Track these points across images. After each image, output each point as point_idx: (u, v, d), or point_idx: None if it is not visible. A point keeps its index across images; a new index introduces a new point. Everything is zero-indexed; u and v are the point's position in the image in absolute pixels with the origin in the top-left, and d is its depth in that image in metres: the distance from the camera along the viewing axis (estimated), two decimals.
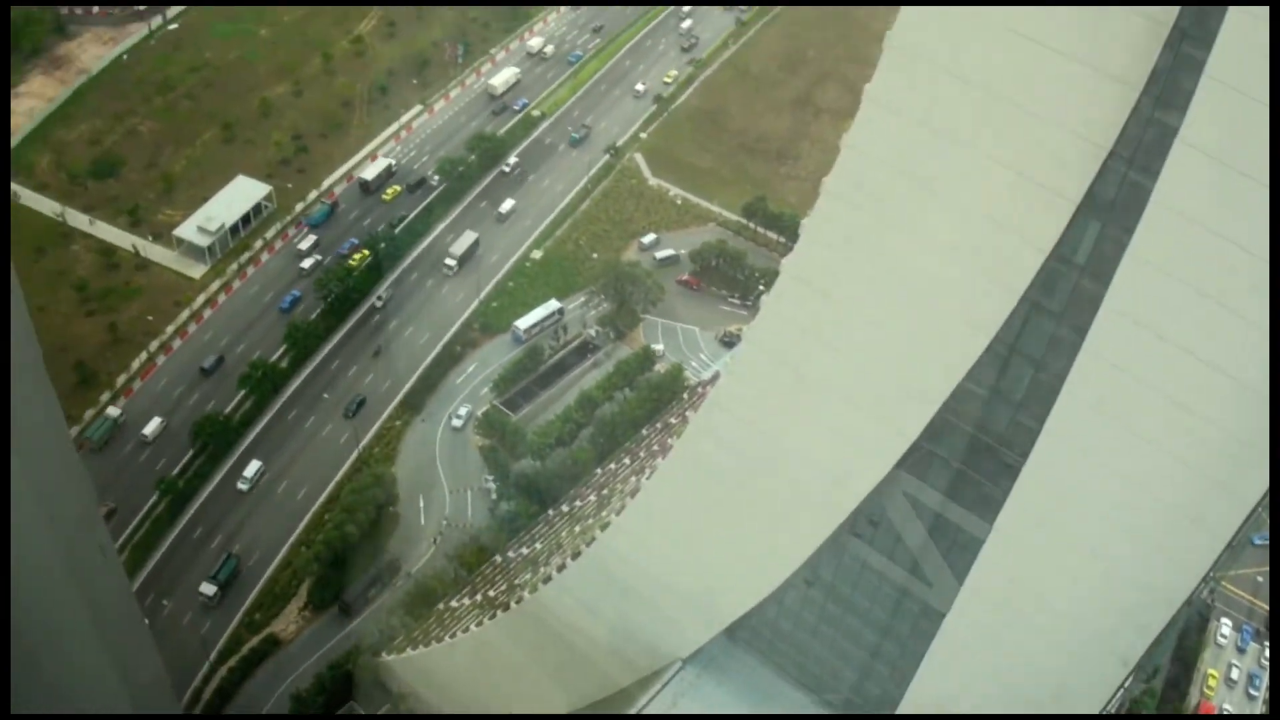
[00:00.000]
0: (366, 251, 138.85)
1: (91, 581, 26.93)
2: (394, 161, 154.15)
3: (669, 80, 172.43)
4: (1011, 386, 47.67)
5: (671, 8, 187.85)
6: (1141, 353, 41.28)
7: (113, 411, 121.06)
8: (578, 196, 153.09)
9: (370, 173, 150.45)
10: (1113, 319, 41.78)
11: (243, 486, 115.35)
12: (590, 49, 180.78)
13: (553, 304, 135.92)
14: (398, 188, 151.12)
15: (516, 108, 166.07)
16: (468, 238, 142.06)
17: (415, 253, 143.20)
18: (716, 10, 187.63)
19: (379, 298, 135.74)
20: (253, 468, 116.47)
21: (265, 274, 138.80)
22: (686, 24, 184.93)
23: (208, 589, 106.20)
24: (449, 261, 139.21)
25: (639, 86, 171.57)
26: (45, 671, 26.09)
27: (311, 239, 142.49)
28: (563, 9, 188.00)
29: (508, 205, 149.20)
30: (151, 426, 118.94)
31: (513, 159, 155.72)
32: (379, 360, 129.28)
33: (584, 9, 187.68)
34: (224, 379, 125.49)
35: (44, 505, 23.69)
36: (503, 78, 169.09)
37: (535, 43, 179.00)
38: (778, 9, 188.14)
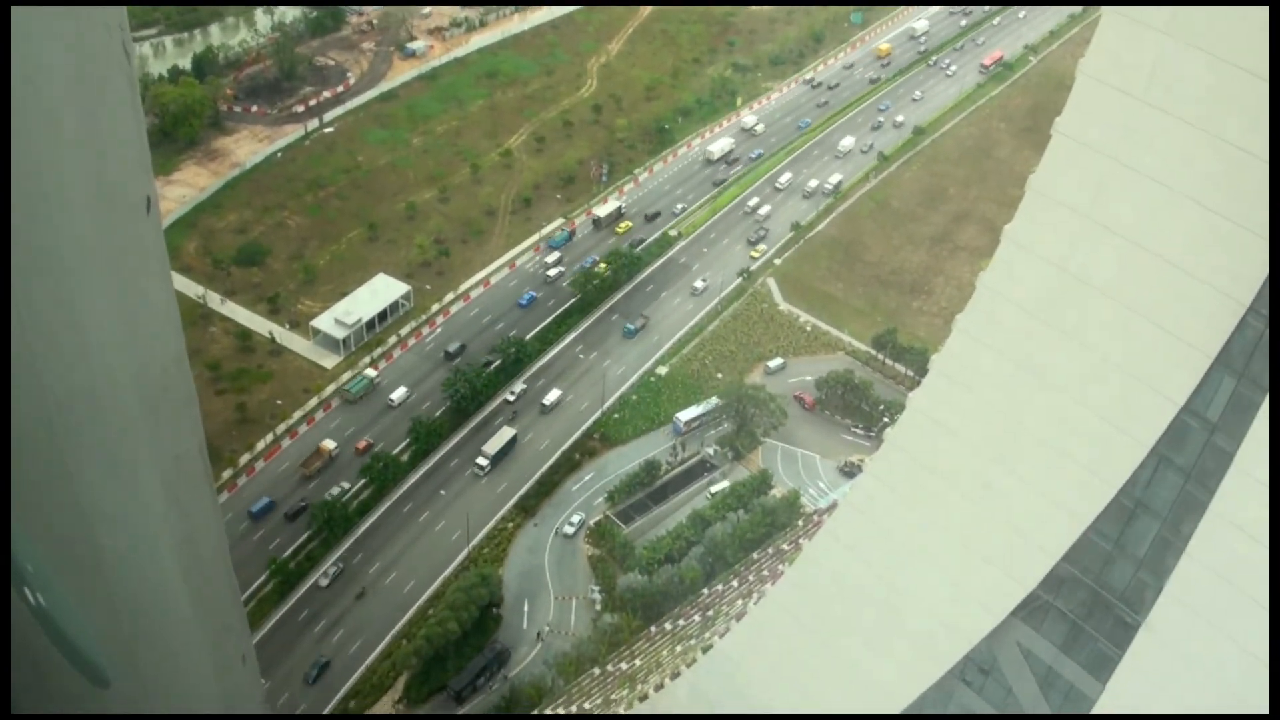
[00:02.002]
0: (605, 264, 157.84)
1: (227, 685, 27.26)
2: (622, 204, 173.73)
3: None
4: (1135, 542, 46.29)
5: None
6: (1269, 519, 39.87)
7: (370, 372, 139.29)
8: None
9: (602, 211, 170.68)
10: (1242, 480, 40.50)
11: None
12: (816, 117, 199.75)
13: (714, 400, 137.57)
14: (629, 223, 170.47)
15: (753, 156, 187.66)
16: (504, 434, 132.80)
17: (536, 366, 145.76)
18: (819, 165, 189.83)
19: (511, 393, 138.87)
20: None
21: (396, 369, 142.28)
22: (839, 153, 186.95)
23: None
24: (480, 461, 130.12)
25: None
26: None
27: (556, 254, 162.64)
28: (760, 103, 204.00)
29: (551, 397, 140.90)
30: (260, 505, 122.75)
31: (519, 385, 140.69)
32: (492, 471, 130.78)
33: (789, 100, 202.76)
34: (345, 467, 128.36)
35: (197, 603, 24.07)
36: (719, 145, 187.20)
37: (749, 120, 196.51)
38: (921, 147, 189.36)
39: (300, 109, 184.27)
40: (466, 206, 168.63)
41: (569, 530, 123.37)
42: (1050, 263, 45.29)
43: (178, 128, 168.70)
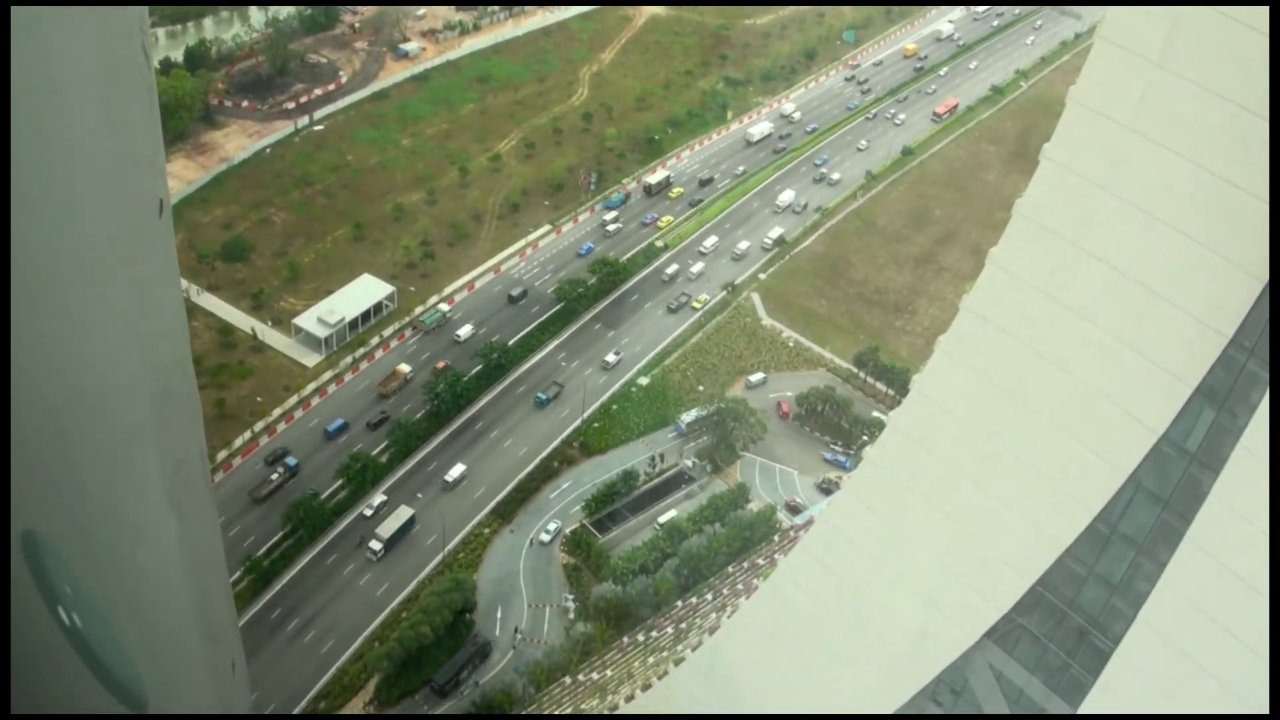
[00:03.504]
0: (669, 219, 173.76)
1: (218, 693, 27.11)
2: (670, 173, 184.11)
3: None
4: (1110, 569, 46.41)
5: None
6: (1245, 550, 40.02)
7: (443, 307, 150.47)
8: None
9: (653, 179, 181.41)
10: (1219, 510, 40.66)
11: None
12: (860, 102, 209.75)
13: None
14: (679, 189, 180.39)
15: (808, 130, 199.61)
16: (401, 514, 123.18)
17: (518, 372, 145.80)
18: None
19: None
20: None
21: (377, 369, 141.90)
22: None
23: None
24: (374, 545, 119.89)
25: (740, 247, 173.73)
26: None
27: (613, 214, 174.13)
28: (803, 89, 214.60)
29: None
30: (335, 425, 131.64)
31: (378, 497, 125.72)
32: (472, 469, 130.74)
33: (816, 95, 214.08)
34: (323, 466, 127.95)
35: (192, 608, 24.00)
36: (759, 129, 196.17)
37: (788, 107, 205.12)
38: (909, 168, 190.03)
39: (291, 106, 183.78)
40: (454, 210, 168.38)
41: (545, 538, 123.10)
42: (1034, 287, 45.45)
43: (167, 120, 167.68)
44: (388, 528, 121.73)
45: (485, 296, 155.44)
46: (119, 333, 17.35)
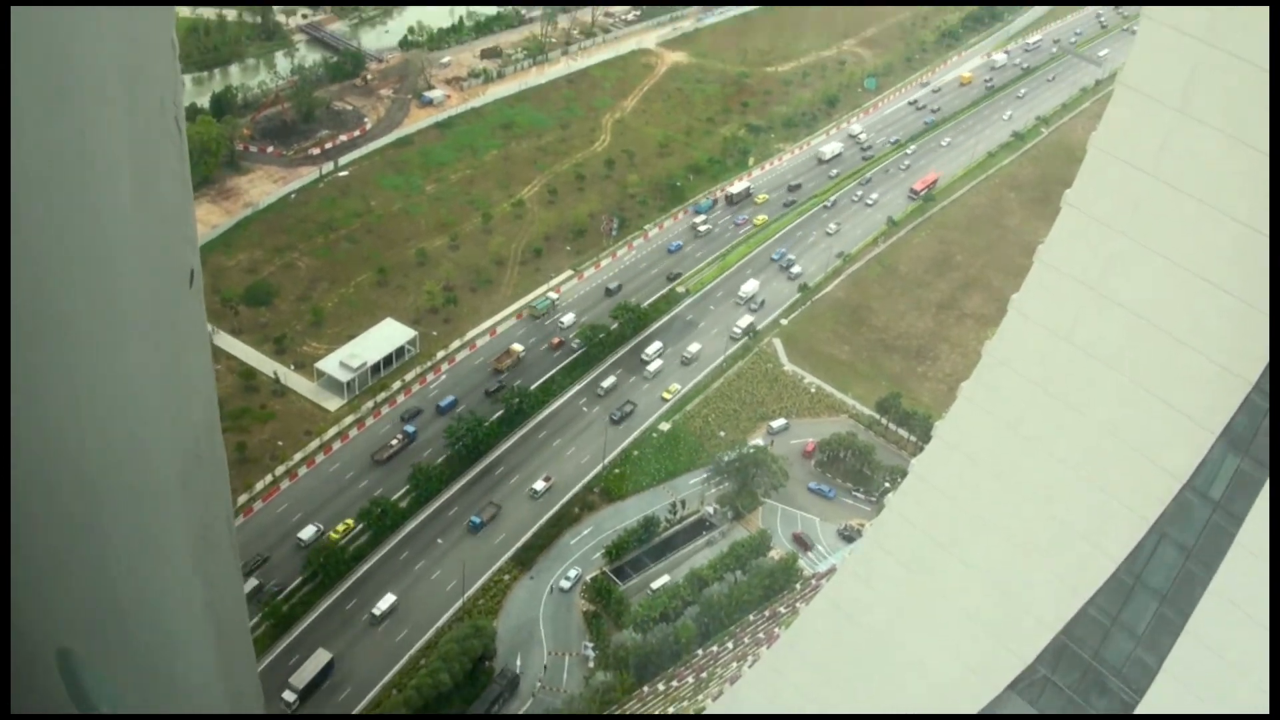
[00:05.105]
0: (763, 217, 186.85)
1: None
2: (750, 184, 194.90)
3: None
4: (1134, 618, 45.84)
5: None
6: (1268, 600, 39.44)
7: (552, 295, 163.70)
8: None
9: (735, 189, 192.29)
10: (1243, 559, 40.14)
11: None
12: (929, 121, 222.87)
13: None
14: (765, 195, 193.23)
15: (891, 141, 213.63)
16: (320, 658, 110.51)
17: (539, 418, 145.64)
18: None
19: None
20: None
21: (399, 414, 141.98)
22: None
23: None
24: (287, 696, 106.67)
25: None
26: None
27: (702, 217, 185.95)
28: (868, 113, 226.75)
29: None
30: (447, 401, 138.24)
31: None
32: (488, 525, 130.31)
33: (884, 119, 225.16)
34: (344, 510, 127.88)
35: (220, 678, 23.94)
36: (830, 148, 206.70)
37: (856, 128, 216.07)
38: (930, 214, 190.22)
39: (316, 151, 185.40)
40: (476, 255, 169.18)
41: (565, 584, 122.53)
42: (1056, 334, 45.23)
43: (193, 166, 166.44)
44: (302, 676, 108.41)
45: (584, 290, 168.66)
46: (149, 403, 17.39)
